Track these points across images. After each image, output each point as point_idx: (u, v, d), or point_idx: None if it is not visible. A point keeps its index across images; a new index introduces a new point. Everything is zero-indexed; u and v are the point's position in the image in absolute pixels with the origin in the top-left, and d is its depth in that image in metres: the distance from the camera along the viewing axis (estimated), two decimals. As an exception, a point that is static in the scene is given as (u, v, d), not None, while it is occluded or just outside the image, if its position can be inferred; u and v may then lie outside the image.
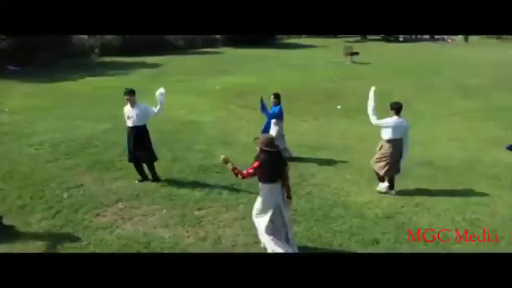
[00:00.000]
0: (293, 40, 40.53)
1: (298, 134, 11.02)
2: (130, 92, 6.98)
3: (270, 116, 8.75)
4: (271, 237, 5.05)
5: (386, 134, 7.06)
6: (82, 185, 7.22)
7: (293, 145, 9.86)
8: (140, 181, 7.29)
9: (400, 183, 7.52)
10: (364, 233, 5.98)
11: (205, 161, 8.68)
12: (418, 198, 7.21)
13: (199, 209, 6.47)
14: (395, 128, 6.95)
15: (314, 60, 25.99)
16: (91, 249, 5.35)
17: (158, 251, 5.35)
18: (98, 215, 6.25)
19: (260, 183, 5.04)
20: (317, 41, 39.12)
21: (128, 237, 5.63)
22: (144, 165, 7.39)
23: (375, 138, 7.59)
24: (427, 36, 41.64)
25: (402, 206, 6.91)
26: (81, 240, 5.55)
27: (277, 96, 8.91)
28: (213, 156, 8.91)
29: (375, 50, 32.76)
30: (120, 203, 6.60)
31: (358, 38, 42.16)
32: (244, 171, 4.99)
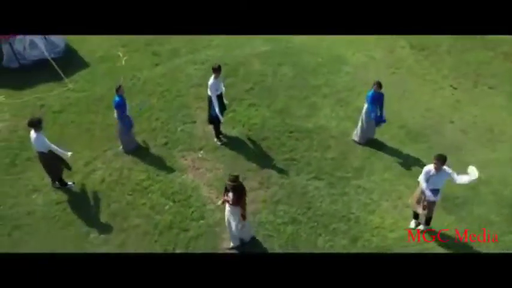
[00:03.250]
0: None
1: (421, 109, 10.65)
2: (219, 68, 8.71)
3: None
4: None
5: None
6: (194, 122, 10.02)
7: (394, 127, 9.89)
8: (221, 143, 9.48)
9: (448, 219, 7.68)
10: (334, 258, 7.26)
11: (298, 122, 10.06)
12: (451, 244, 7.44)
13: (243, 179, 8.48)
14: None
15: None
16: (156, 187, 8.44)
17: (190, 206, 8.06)
18: (183, 156, 9.15)
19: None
20: None
21: (183, 185, 8.46)
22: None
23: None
24: None
25: (414, 243, 7.44)
26: (158, 176, 8.66)
27: (379, 84, 8.93)
28: (313, 117, 10.15)
29: None
30: (201, 152, 9.26)
31: None
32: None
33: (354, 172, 8.87)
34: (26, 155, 8.82)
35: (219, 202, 7.24)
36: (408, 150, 9.40)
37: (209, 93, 8.78)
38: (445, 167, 6.99)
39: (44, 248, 7.29)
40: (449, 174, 7.00)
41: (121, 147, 9.19)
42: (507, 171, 8.82)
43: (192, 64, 12.01)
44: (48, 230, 7.63)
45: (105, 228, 7.70)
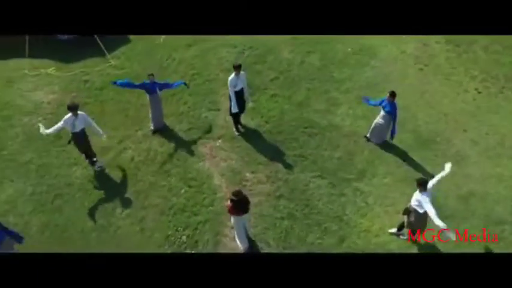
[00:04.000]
0: None
1: (439, 113, 10.90)
2: (239, 66, 9.41)
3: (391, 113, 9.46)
4: None
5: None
6: (218, 110, 10.92)
7: (405, 131, 10.26)
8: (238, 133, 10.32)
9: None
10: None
11: (315, 118, 10.73)
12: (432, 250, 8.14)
13: (252, 172, 9.57)
14: None
15: None
16: (175, 171, 9.57)
17: (202, 193, 9.18)
18: (202, 143, 10.16)
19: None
20: None
21: (199, 172, 9.54)
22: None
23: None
24: None
25: (395, 249, 8.20)
26: (178, 160, 9.76)
27: (392, 95, 9.32)
28: (330, 114, 10.75)
29: None
30: (220, 140, 10.22)
31: None
32: None
33: (356, 174, 9.54)
34: (69, 129, 10.16)
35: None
36: (414, 156, 9.86)
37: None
38: (426, 196, 7.38)
39: (76, 218, 8.76)
40: (426, 201, 7.36)
41: (151, 126, 10.31)
42: (505, 188, 9.17)
43: (223, 47, 12.70)
44: (82, 201, 9.05)
45: (129, 205, 9.01)
